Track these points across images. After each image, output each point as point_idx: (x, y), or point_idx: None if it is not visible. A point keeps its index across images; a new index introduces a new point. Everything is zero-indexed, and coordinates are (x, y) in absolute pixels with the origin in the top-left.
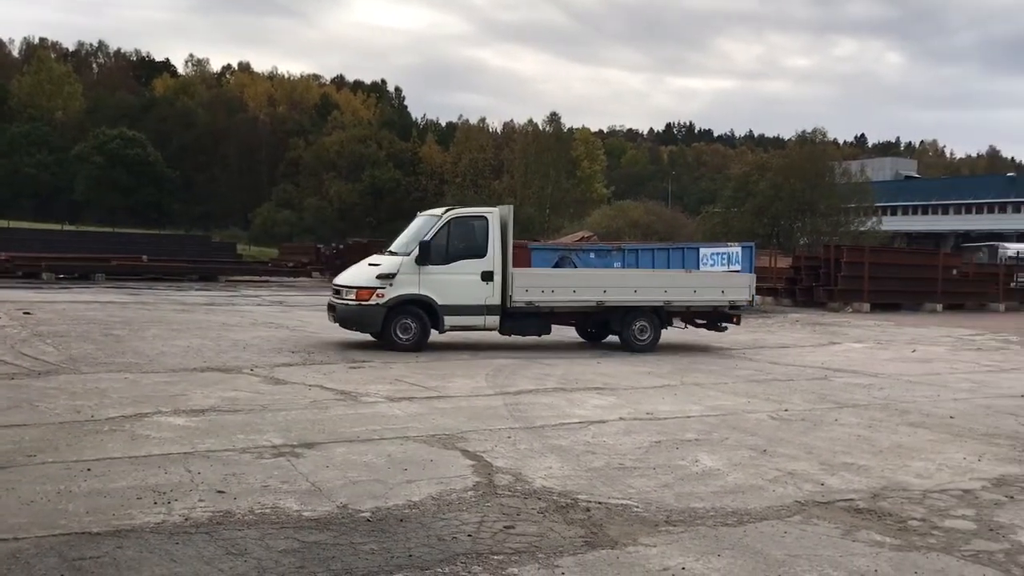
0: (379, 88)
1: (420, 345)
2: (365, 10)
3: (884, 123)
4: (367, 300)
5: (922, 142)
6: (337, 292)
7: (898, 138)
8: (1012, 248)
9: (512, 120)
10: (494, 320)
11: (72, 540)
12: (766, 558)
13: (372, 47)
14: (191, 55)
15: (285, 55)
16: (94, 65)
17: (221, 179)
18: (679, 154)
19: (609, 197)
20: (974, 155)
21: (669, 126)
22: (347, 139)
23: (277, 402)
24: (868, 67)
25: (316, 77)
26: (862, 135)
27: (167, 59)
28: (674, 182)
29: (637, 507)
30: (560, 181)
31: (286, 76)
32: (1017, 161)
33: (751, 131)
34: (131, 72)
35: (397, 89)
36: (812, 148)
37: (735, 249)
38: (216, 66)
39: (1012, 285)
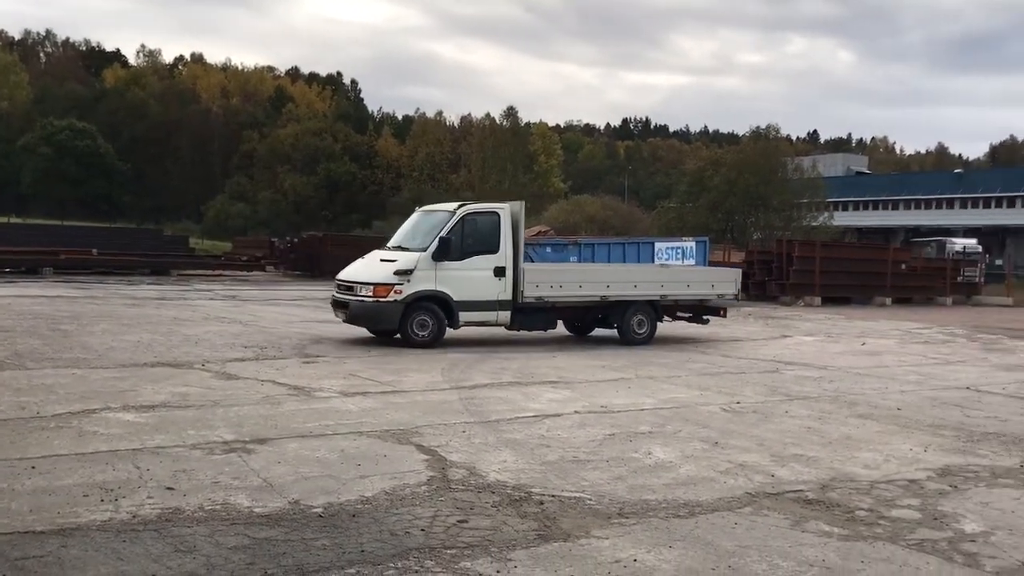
0: (335, 81)
1: (436, 341)
2: (320, 1)
3: (836, 120)
4: (385, 297)
5: (873, 139)
6: (348, 288)
7: (850, 134)
8: (959, 243)
9: (470, 114)
10: (506, 316)
11: (15, 539)
12: (716, 549)
13: (327, 39)
14: (142, 45)
15: (239, 46)
16: (41, 55)
17: (173, 172)
18: (635, 149)
19: (566, 192)
20: (923, 152)
21: (626, 121)
22: (302, 132)
23: (229, 397)
24: (820, 64)
25: (271, 69)
26: (815, 131)
27: (118, 49)
28: (630, 177)
29: (590, 500)
30: (517, 175)
31: (240, 68)
32: (964, 158)
33: (706, 127)
34: (80, 62)
35: (353, 82)
36: (766, 144)
37: (689, 243)
38: (168, 57)
39: (959, 279)
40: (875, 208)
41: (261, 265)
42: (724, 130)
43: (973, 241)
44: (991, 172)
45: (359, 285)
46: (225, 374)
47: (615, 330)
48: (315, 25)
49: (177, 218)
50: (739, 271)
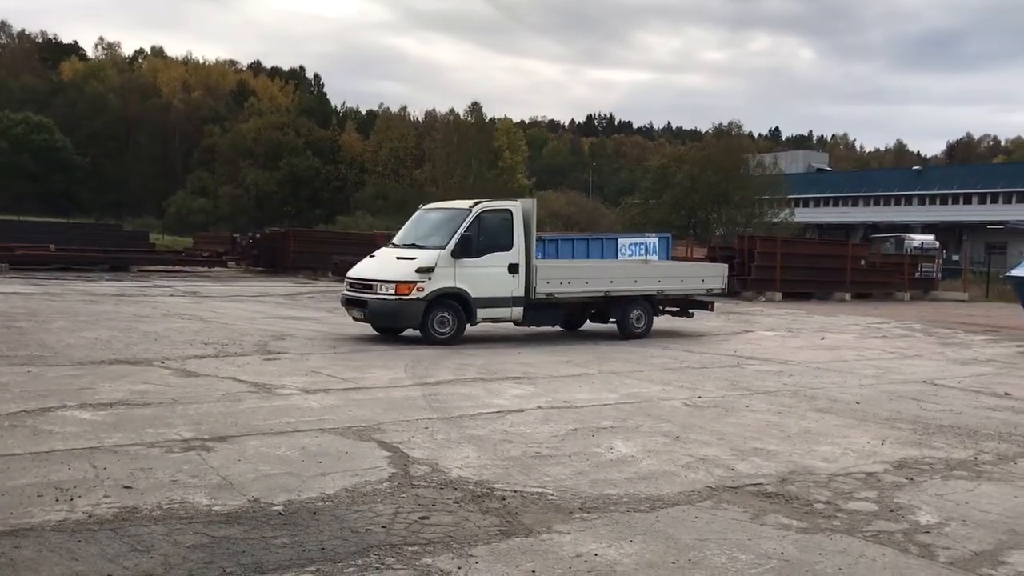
0: (297, 75)
1: (456, 338)
2: None
3: (797, 117)
4: (407, 294)
5: (833, 136)
6: (366, 287)
7: (811, 132)
8: (917, 239)
9: (434, 109)
10: (519, 312)
11: None
12: (677, 542)
13: (290, 33)
14: (101, 38)
15: (200, 40)
16: None
17: (133, 166)
18: (600, 145)
19: (531, 188)
20: (882, 149)
21: (590, 117)
22: (264, 126)
23: (188, 395)
24: (782, 62)
25: (232, 63)
26: (776, 128)
27: (75, 42)
28: (595, 173)
29: (552, 495)
30: (482, 171)
31: (201, 61)
32: (923, 155)
33: (669, 123)
34: (37, 55)
35: (316, 76)
36: (728, 141)
37: (652, 240)
38: (128, 50)
39: (917, 275)
40: (835, 205)
41: (223, 261)
42: (688, 127)
43: (930, 237)
44: (948, 169)
45: (379, 283)
46: (185, 371)
47: (614, 325)
48: (277, 19)
49: (137, 213)
50: (726, 266)
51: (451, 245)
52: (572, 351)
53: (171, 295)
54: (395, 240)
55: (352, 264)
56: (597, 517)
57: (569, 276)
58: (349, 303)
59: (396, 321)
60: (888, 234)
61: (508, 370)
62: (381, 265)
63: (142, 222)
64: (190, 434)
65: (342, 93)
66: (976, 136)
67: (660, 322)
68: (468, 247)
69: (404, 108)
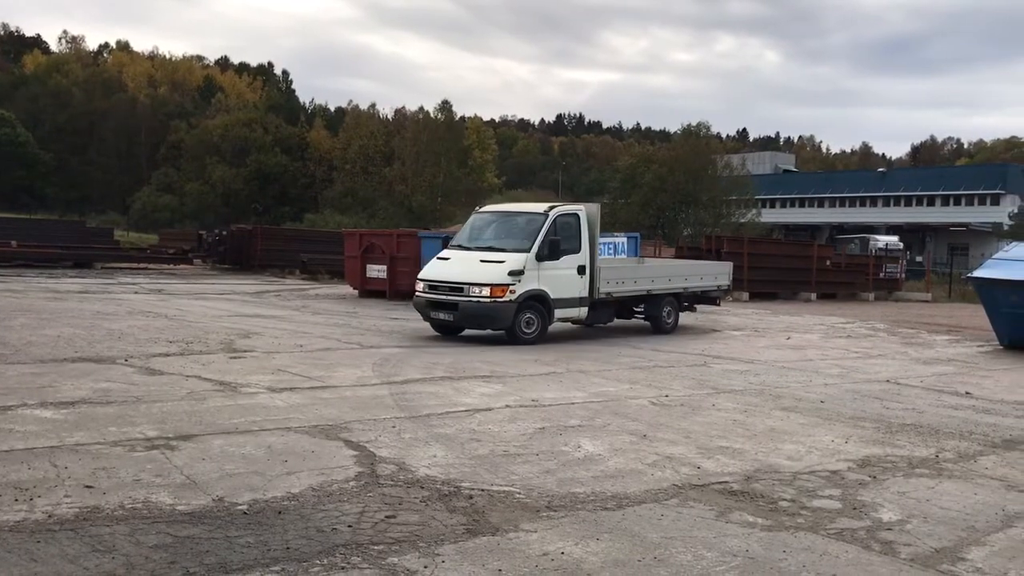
0: (266, 71)
1: (540, 338)
2: None
3: (765, 118)
4: (501, 297)
5: (800, 137)
6: (455, 289)
7: (778, 133)
8: (882, 240)
9: (404, 107)
10: (584, 311)
11: None
12: (643, 541)
13: (257, 29)
14: (65, 31)
15: (166, 35)
16: None
17: (98, 162)
18: (569, 145)
19: (501, 187)
20: (848, 151)
21: (560, 117)
22: (232, 122)
23: (152, 393)
24: (748, 64)
25: (200, 58)
26: (744, 130)
27: (38, 35)
28: (564, 172)
29: (519, 493)
30: (452, 170)
31: (168, 57)
32: (888, 157)
33: (639, 124)
34: None
35: (284, 72)
36: (696, 142)
37: (621, 239)
38: (92, 44)
39: (881, 275)
40: (802, 205)
41: (188, 258)
42: (656, 127)
43: (895, 238)
44: (912, 171)
45: (471, 286)
46: (149, 369)
47: (647, 321)
48: (245, 14)
49: (102, 210)
50: (731, 264)
51: (535, 248)
52: (540, 350)
53: (136, 292)
54: (459, 242)
55: (321, 261)
56: (564, 515)
57: (624, 276)
58: (432, 306)
59: (489, 323)
60: (853, 235)
61: (476, 369)
62: (465, 268)
63: (107, 219)
64: (154, 433)
65: (311, 90)
66: (940, 139)
67: (629, 322)
68: (554, 250)
69: (373, 105)
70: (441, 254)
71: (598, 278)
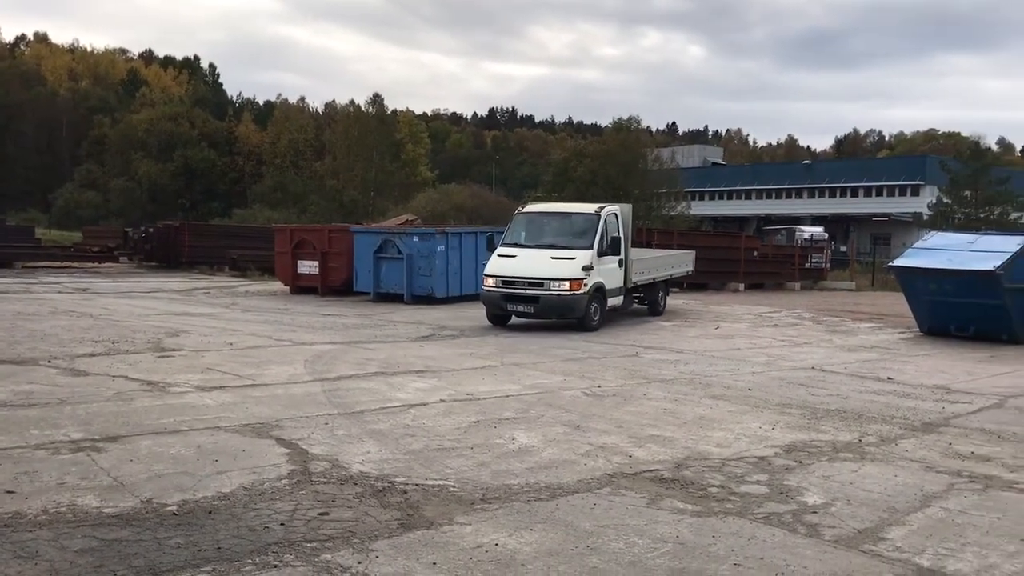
0: (191, 64)
1: (601, 325)
2: None
3: (693, 112)
4: (578, 290)
5: (728, 131)
6: (535, 284)
7: (706, 127)
8: (807, 231)
9: (334, 100)
10: (622, 299)
11: None
12: (576, 530)
13: (180, 21)
14: None
15: (86, 27)
16: None
17: (17, 158)
18: (502, 139)
19: (434, 180)
20: (774, 144)
21: (492, 111)
22: (157, 117)
23: (77, 394)
24: (673, 58)
25: (123, 51)
26: (673, 123)
27: None
28: (498, 166)
29: (454, 487)
30: (384, 164)
31: (89, 49)
32: (813, 150)
33: (570, 118)
34: None
35: (211, 66)
36: (627, 136)
37: None
38: (8, 36)
39: (807, 265)
40: (730, 198)
41: (114, 256)
42: (588, 121)
43: (820, 229)
44: (836, 164)
45: (551, 280)
46: (73, 370)
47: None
48: (167, 6)
49: (22, 207)
50: (694, 252)
51: (596, 245)
52: (476, 344)
53: (59, 292)
54: (514, 240)
55: (251, 258)
56: (498, 507)
57: (645, 268)
58: (509, 299)
59: (568, 313)
60: (780, 226)
61: (410, 364)
62: (539, 264)
63: (27, 216)
64: (79, 435)
65: (238, 83)
66: (862, 131)
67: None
68: (609, 247)
69: (303, 99)
70: (502, 251)
71: (632, 270)
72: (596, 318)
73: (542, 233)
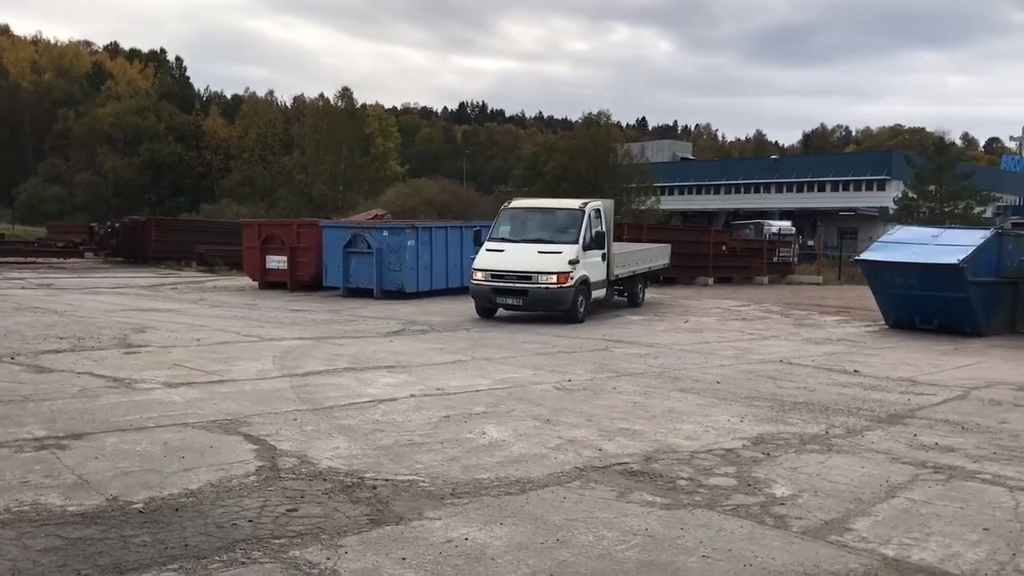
0: (158, 57)
1: (585, 316)
2: None
3: (662, 107)
4: (565, 283)
5: (697, 126)
6: (524, 278)
7: (675, 122)
8: (775, 225)
9: (303, 94)
10: (604, 292)
11: None
12: (546, 523)
13: (146, 13)
14: None
15: (50, 19)
16: None
17: None
18: (473, 133)
19: (404, 175)
20: (743, 139)
21: (463, 105)
22: (123, 110)
23: (41, 391)
24: (642, 53)
25: (87, 43)
26: (643, 118)
27: None
28: (468, 161)
29: (424, 482)
30: (353, 158)
31: (53, 42)
32: (781, 145)
33: (541, 112)
34: None
35: (178, 59)
36: (597, 130)
37: None
38: None
39: (774, 259)
40: (699, 192)
41: (79, 252)
42: (558, 116)
43: (788, 223)
44: (803, 159)
45: (539, 274)
46: (37, 367)
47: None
48: None
49: None
50: (670, 246)
51: (581, 240)
52: (446, 339)
53: (23, 288)
54: (501, 235)
55: (219, 253)
56: (468, 502)
57: (626, 261)
58: (498, 292)
59: (556, 305)
60: (748, 220)
61: (380, 359)
62: (527, 258)
63: None
64: (43, 432)
65: (205, 77)
66: (829, 126)
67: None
68: (593, 242)
69: (271, 93)
70: (490, 246)
71: (614, 263)
72: (582, 310)
73: (529, 228)
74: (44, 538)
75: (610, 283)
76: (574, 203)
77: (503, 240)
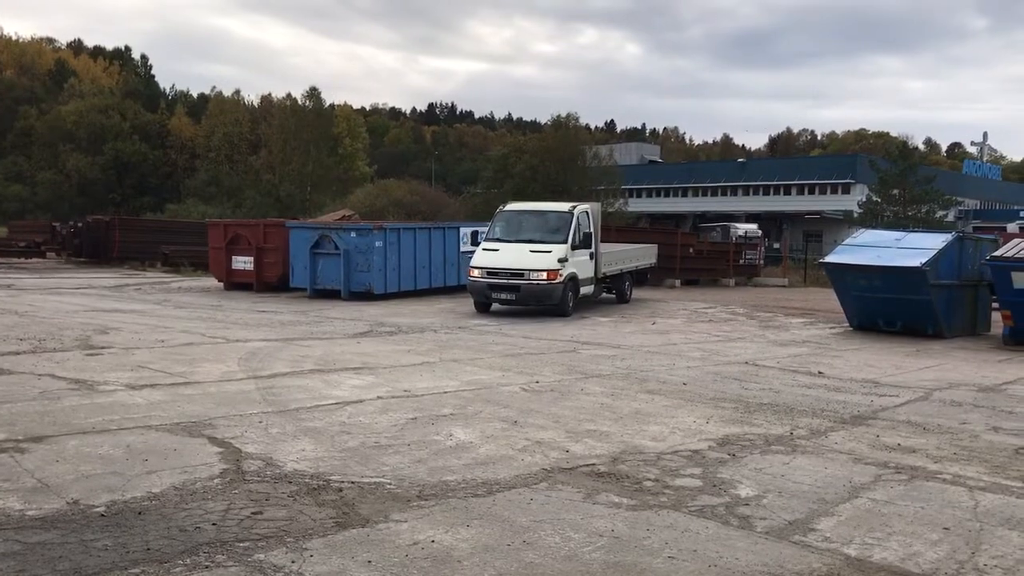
0: (122, 55)
1: (573, 311)
2: None
3: (630, 110)
4: (554, 280)
5: (665, 129)
6: (516, 275)
7: (644, 124)
8: (741, 228)
9: (270, 94)
10: (592, 288)
11: None
12: (513, 525)
13: (110, 10)
14: None
15: (10, 14)
16: None
17: None
18: (442, 134)
19: (372, 175)
20: (710, 142)
21: (432, 106)
22: (86, 109)
23: (0, 394)
24: (610, 56)
25: (50, 40)
26: (611, 121)
27: None
28: (437, 162)
29: (390, 484)
30: (321, 158)
31: (14, 38)
32: (747, 148)
33: (510, 114)
34: None
35: (143, 57)
36: (566, 132)
37: None
38: None
39: (741, 262)
40: (667, 195)
41: (41, 251)
42: (527, 118)
43: (754, 226)
44: (770, 162)
45: (530, 271)
46: None
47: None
48: None
49: None
50: (656, 246)
51: (570, 240)
52: (414, 341)
53: None
54: (496, 236)
55: (184, 253)
56: (435, 504)
57: (613, 260)
58: (493, 288)
59: (546, 300)
60: (715, 223)
61: (347, 361)
62: (519, 257)
63: None
64: (2, 436)
65: (171, 75)
66: (795, 130)
67: (496, 313)
68: (580, 241)
69: (238, 92)
70: (486, 246)
71: (601, 262)
72: (571, 305)
73: (521, 229)
74: (2, 543)
75: (598, 280)
76: (564, 206)
77: (498, 240)
